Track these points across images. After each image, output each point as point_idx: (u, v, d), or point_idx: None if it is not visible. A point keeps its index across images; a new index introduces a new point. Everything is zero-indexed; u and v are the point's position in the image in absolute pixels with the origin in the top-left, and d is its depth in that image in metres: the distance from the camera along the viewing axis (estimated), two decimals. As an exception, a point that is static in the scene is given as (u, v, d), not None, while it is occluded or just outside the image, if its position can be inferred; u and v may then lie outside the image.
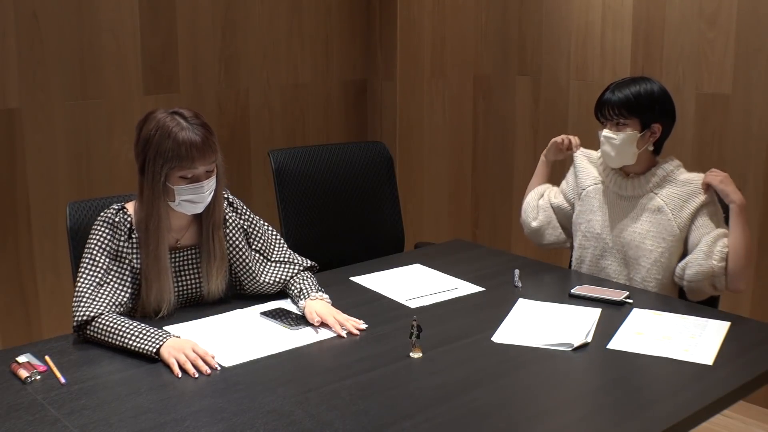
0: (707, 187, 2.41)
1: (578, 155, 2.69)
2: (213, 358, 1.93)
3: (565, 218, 2.71)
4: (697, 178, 2.46)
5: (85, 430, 1.63)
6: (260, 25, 3.79)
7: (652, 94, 2.44)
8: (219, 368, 1.90)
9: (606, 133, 2.46)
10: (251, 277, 2.31)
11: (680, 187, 2.44)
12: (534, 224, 2.73)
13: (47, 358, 1.93)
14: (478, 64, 4.28)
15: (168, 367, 1.89)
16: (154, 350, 1.92)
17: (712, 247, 2.36)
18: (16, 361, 1.90)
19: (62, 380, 1.83)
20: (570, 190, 2.70)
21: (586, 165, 2.66)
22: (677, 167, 2.49)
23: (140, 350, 1.94)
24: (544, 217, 2.72)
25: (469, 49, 4.26)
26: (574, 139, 2.73)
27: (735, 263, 2.35)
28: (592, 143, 2.59)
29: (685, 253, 2.45)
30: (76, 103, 3.31)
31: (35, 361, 1.91)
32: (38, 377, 1.84)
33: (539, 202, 2.75)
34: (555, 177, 2.83)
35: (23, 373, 1.84)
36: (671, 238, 2.43)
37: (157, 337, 1.95)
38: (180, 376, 1.86)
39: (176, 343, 1.94)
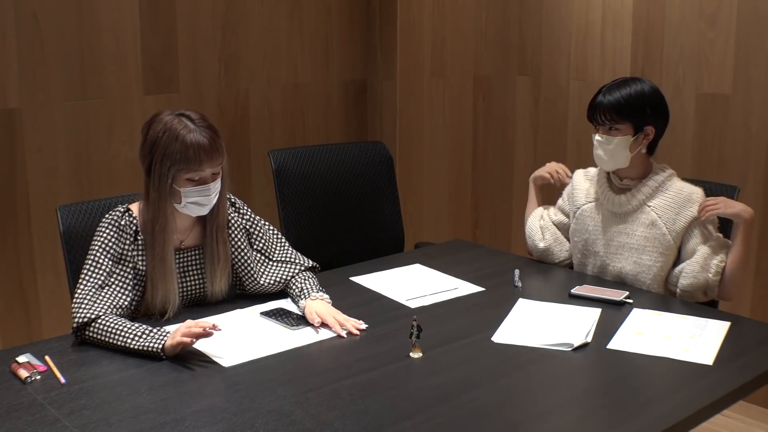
0: (702, 209, 2.36)
1: (577, 173, 2.66)
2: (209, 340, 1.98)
3: (568, 233, 2.69)
4: (688, 188, 2.43)
5: (85, 430, 1.63)
6: (260, 25, 3.79)
7: (642, 97, 2.41)
8: (219, 328, 1.96)
9: (599, 138, 2.44)
10: (252, 278, 2.32)
11: (672, 197, 2.42)
12: (541, 245, 2.69)
13: (47, 358, 1.93)
14: (478, 64, 4.28)
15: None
16: (161, 346, 1.93)
17: (708, 260, 2.35)
18: (16, 361, 1.90)
19: (62, 380, 1.83)
20: (566, 205, 2.68)
21: (583, 183, 2.62)
22: (669, 177, 2.46)
23: (146, 349, 1.94)
24: (549, 235, 2.69)
25: (469, 49, 4.26)
26: (563, 174, 2.68)
27: (732, 276, 2.34)
28: (591, 143, 2.58)
29: (678, 259, 2.44)
30: (76, 103, 3.31)
31: (35, 361, 1.91)
32: (38, 377, 1.85)
33: (540, 223, 2.71)
34: (552, 196, 2.82)
35: (23, 373, 1.84)
36: (668, 252, 2.42)
37: (159, 334, 1.96)
38: (193, 341, 1.93)
39: (174, 332, 1.96)
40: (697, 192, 2.43)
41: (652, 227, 2.43)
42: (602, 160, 2.46)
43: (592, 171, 2.63)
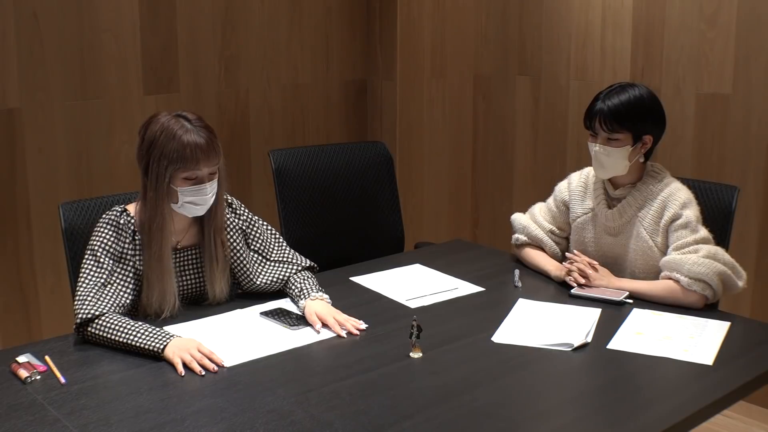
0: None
1: (572, 177, 2.60)
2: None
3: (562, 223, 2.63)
4: (670, 191, 2.38)
5: (85, 430, 1.63)
6: (260, 25, 3.79)
7: (643, 106, 2.37)
8: (225, 365, 1.91)
9: (597, 148, 2.39)
10: (248, 278, 2.32)
11: (657, 206, 2.38)
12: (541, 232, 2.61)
13: (47, 358, 1.93)
14: (478, 64, 4.28)
15: (171, 365, 1.90)
16: (161, 348, 1.93)
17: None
18: (16, 361, 1.90)
19: (62, 380, 1.83)
20: (562, 216, 2.61)
21: (581, 191, 2.57)
22: (659, 182, 2.41)
23: (145, 347, 1.94)
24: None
25: (469, 49, 4.26)
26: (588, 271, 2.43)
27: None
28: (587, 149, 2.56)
29: None
30: (76, 103, 3.31)
31: (35, 361, 1.91)
32: (38, 377, 1.85)
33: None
34: (550, 186, 2.80)
35: (23, 373, 1.84)
36: (657, 263, 2.39)
37: (162, 336, 1.96)
38: (183, 374, 1.87)
39: (181, 343, 1.94)
40: (678, 194, 2.38)
41: (641, 242, 2.41)
42: (600, 169, 2.43)
43: (587, 172, 2.58)
